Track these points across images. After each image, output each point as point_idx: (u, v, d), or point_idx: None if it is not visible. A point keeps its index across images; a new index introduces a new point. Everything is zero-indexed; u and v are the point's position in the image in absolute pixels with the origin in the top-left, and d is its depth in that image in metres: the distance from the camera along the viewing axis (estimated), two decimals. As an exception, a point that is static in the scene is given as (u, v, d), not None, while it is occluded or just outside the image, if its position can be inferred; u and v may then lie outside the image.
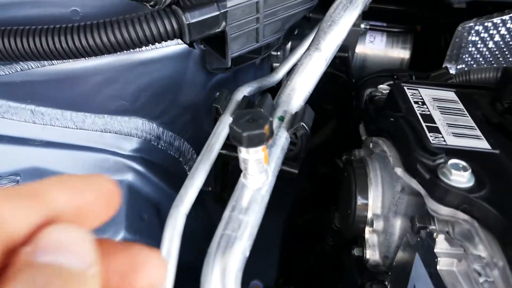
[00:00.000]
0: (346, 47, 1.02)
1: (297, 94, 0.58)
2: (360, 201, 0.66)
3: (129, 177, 0.70)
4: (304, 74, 0.58)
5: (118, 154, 0.70)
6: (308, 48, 0.61)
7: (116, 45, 0.55)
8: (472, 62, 0.97)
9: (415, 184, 0.52)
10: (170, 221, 0.46)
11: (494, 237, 0.44)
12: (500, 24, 0.90)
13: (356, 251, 0.67)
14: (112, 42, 0.54)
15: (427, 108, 0.60)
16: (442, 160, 0.50)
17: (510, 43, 0.93)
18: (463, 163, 0.48)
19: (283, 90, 0.59)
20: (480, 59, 0.97)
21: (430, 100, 0.62)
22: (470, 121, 0.58)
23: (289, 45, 0.95)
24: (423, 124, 0.56)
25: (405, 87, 0.64)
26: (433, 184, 0.48)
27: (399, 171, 0.54)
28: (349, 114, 1.04)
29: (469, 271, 0.44)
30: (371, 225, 0.65)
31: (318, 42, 0.60)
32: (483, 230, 0.45)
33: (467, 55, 0.95)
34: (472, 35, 0.92)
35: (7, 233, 0.19)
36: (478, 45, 0.95)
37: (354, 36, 1.03)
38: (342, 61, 1.01)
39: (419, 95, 0.62)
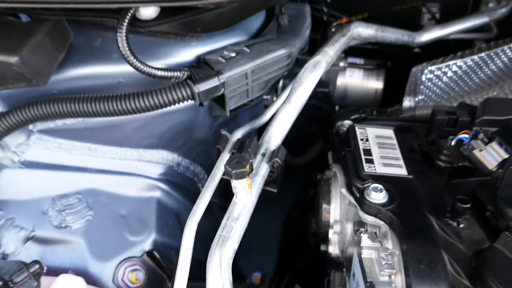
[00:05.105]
0: (327, 83, 1.27)
1: (275, 137, 0.82)
2: (325, 210, 0.90)
3: (157, 194, 0.95)
4: (279, 122, 0.82)
5: (149, 177, 0.95)
6: (284, 101, 0.85)
7: (152, 106, 0.79)
8: (430, 94, 1.19)
9: (353, 200, 0.76)
10: (186, 228, 0.71)
11: (396, 236, 0.68)
12: (446, 67, 1.13)
13: (322, 247, 0.90)
14: (149, 105, 0.79)
15: (369, 144, 0.83)
16: (368, 184, 0.74)
17: (455, 82, 1.15)
18: (380, 186, 0.72)
19: (266, 133, 0.83)
20: (437, 91, 1.19)
21: (373, 137, 0.85)
22: (398, 154, 0.82)
23: (281, 83, 1.18)
24: (363, 157, 0.80)
25: (356, 127, 0.88)
26: (361, 201, 0.73)
27: (343, 190, 0.78)
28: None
29: (379, 258, 0.68)
30: (333, 227, 0.89)
31: (290, 97, 0.84)
32: (391, 231, 0.69)
33: (424, 89, 1.17)
34: (426, 74, 1.14)
35: None
36: (433, 81, 1.17)
37: (334, 74, 1.28)
38: (324, 94, 1.26)
39: (365, 133, 0.86)
